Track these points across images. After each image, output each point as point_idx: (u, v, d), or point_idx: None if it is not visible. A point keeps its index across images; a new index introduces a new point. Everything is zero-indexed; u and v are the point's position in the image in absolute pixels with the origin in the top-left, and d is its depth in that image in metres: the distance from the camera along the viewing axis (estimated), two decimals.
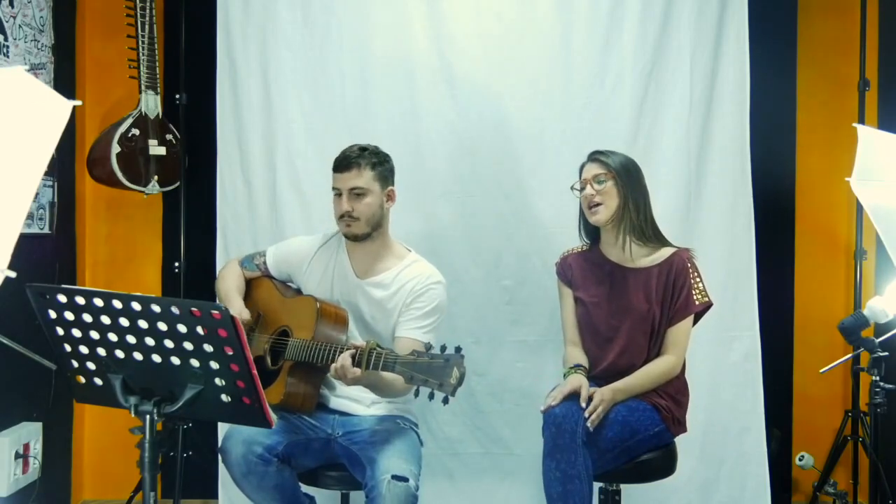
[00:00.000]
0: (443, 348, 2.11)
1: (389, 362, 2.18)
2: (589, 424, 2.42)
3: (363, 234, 2.57)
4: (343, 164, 2.56)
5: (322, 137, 3.29)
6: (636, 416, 2.54)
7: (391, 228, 2.70)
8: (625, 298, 2.64)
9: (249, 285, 2.80)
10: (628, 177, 2.64)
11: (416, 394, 2.14)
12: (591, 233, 2.76)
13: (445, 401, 2.09)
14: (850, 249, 3.54)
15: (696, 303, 2.61)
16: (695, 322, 2.67)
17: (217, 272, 2.86)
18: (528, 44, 3.31)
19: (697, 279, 2.63)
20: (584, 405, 2.45)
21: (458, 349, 2.09)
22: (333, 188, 2.59)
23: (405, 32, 3.32)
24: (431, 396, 2.11)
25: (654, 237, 2.67)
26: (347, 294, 2.62)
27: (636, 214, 2.63)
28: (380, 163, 2.58)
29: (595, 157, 2.68)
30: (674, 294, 2.61)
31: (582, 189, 2.68)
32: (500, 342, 3.26)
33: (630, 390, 2.56)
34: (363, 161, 2.55)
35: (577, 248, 2.81)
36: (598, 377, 2.64)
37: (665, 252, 2.66)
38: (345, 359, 2.26)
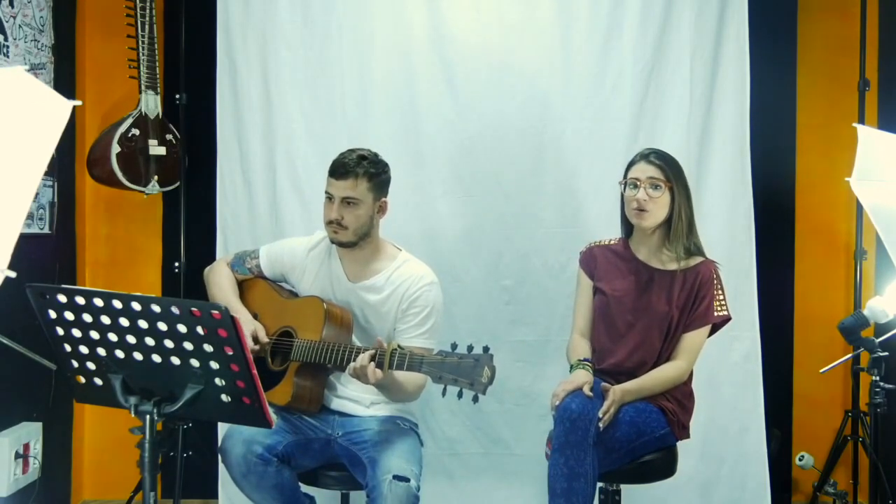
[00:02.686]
0: (469, 348, 2.11)
1: (415, 362, 2.18)
2: (601, 424, 2.41)
3: (349, 242, 2.56)
4: (340, 170, 2.51)
5: (322, 137, 3.29)
6: (643, 417, 2.53)
7: (387, 228, 2.69)
8: (646, 297, 2.63)
9: (242, 286, 2.78)
10: (683, 186, 2.60)
11: (444, 393, 2.14)
12: (627, 228, 2.73)
13: (475, 399, 2.10)
14: (850, 249, 3.54)
15: (716, 314, 2.61)
16: (711, 333, 2.66)
17: (205, 275, 2.83)
18: (528, 44, 3.31)
19: (720, 292, 2.63)
20: (589, 393, 2.45)
21: (485, 349, 2.11)
22: (326, 192, 2.55)
23: (405, 33, 3.32)
24: (460, 395, 2.12)
25: (693, 251, 2.62)
26: (341, 296, 2.61)
27: (686, 224, 2.59)
28: (377, 174, 2.54)
29: (651, 158, 2.60)
30: (695, 301, 2.60)
31: (630, 187, 2.60)
32: (500, 342, 3.25)
33: (639, 392, 2.55)
34: (361, 171, 2.50)
35: (604, 241, 2.78)
36: (606, 372, 2.64)
37: (693, 260, 2.63)
38: (364, 359, 2.26)
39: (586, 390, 2.46)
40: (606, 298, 2.68)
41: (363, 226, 2.54)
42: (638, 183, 2.58)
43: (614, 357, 2.64)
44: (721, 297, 2.63)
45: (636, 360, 2.61)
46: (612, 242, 2.76)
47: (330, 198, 2.54)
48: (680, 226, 2.59)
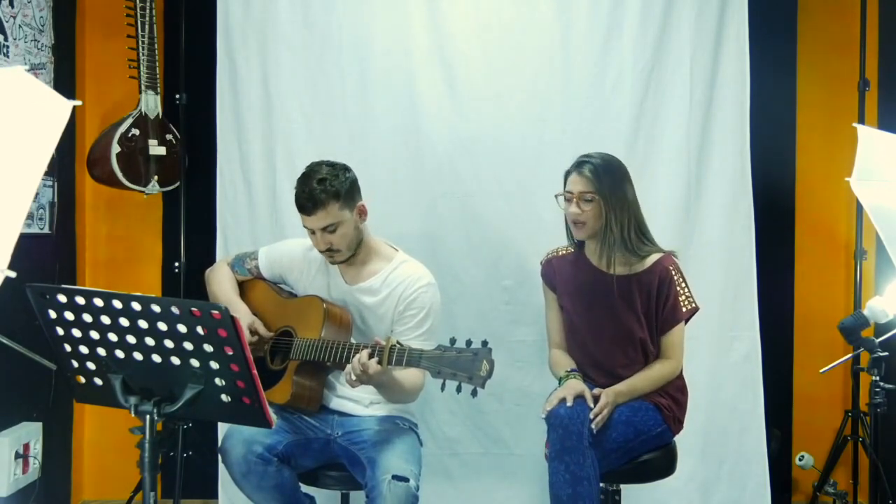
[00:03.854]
0: (468, 342, 2.11)
1: (414, 357, 2.18)
2: (593, 426, 2.42)
3: (346, 259, 2.56)
4: (307, 206, 2.45)
5: (322, 137, 3.29)
6: (640, 416, 2.54)
7: (387, 228, 2.69)
8: (609, 309, 2.62)
9: (243, 287, 2.79)
10: (613, 194, 2.57)
11: (443, 388, 2.14)
12: (572, 237, 2.72)
13: (474, 393, 2.10)
14: (850, 249, 3.53)
15: (684, 310, 2.61)
16: (686, 322, 2.66)
17: (206, 276, 2.83)
18: (528, 44, 3.31)
19: (683, 285, 2.62)
20: (591, 405, 2.45)
21: (484, 343, 2.11)
22: (304, 226, 2.52)
23: (405, 32, 3.32)
24: (459, 389, 2.12)
25: (639, 248, 2.60)
26: (337, 298, 2.61)
27: (619, 232, 2.57)
28: (341, 187, 2.46)
29: (582, 169, 2.60)
30: (658, 305, 2.59)
31: (567, 201, 2.62)
32: (500, 342, 3.23)
33: (631, 393, 2.56)
34: (325, 197, 2.44)
35: (561, 251, 2.78)
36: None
37: (649, 260, 2.61)
38: (363, 356, 2.26)
39: (587, 395, 2.47)
40: (570, 316, 2.69)
41: (353, 240, 2.53)
42: (571, 196, 2.60)
43: (598, 378, 2.63)
44: (686, 291, 2.62)
45: (617, 378, 2.59)
46: (570, 253, 2.75)
47: (311, 231, 2.51)
48: (611, 237, 2.57)
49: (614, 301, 2.61)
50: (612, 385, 2.56)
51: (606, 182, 2.58)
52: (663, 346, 2.62)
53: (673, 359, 2.62)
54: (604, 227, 2.58)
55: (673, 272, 2.60)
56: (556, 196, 2.67)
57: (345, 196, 2.48)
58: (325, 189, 2.44)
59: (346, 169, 2.53)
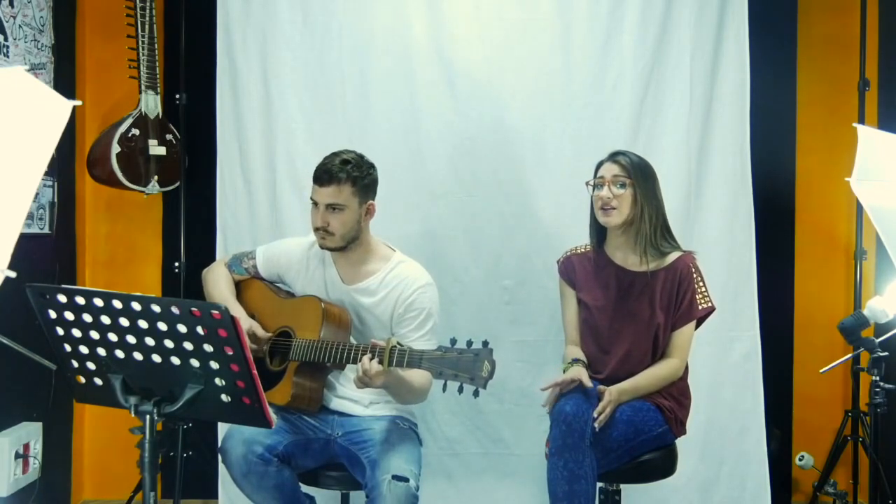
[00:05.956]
0: (469, 343, 2.11)
1: (415, 358, 2.18)
2: (596, 425, 2.43)
3: (337, 247, 2.56)
4: (323, 177, 2.49)
5: (322, 137, 3.29)
6: (641, 416, 2.54)
7: (387, 228, 2.69)
8: (629, 303, 2.63)
9: (239, 287, 2.79)
10: (646, 185, 2.60)
11: (444, 388, 2.14)
12: (598, 233, 2.72)
13: (476, 394, 2.10)
14: (850, 249, 3.54)
15: (700, 308, 2.62)
16: (697, 326, 2.67)
17: (203, 276, 2.83)
18: (529, 44, 3.31)
19: (701, 284, 2.63)
20: (590, 385, 2.48)
21: (485, 343, 2.11)
22: (311, 198, 2.54)
23: (405, 33, 3.32)
24: (461, 390, 2.12)
25: (662, 246, 2.63)
26: (335, 298, 2.61)
27: (649, 225, 2.59)
28: (362, 177, 2.51)
29: (617, 158, 2.63)
30: (678, 300, 2.61)
31: (597, 187, 2.63)
32: (500, 342, 3.22)
33: (635, 391, 2.57)
34: (343, 176, 2.47)
35: (580, 248, 2.79)
36: (601, 383, 2.63)
37: (670, 256, 2.64)
38: (365, 361, 2.26)
39: (584, 379, 2.49)
40: (589, 310, 2.69)
41: (350, 230, 2.54)
42: (603, 182, 2.61)
43: (606, 368, 2.64)
44: (703, 290, 2.63)
45: (627, 369, 2.61)
46: (587, 250, 2.76)
47: (315, 204, 2.53)
48: (643, 227, 2.59)
49: (636, 297, 2.62)
50: (623, 380, 2.57)
51: (640, 174, 2.61)
52: (671, 344, 2.63)
53: (677, 358, 2.62)
54: (638, 218, 2.59)
55: (693, 269, 2.63)
56: (586, 183, 2.68)
57: (360, 186, 2.51)
58: (345, 169, 2.49)
59: (372, 166, 2.58)
